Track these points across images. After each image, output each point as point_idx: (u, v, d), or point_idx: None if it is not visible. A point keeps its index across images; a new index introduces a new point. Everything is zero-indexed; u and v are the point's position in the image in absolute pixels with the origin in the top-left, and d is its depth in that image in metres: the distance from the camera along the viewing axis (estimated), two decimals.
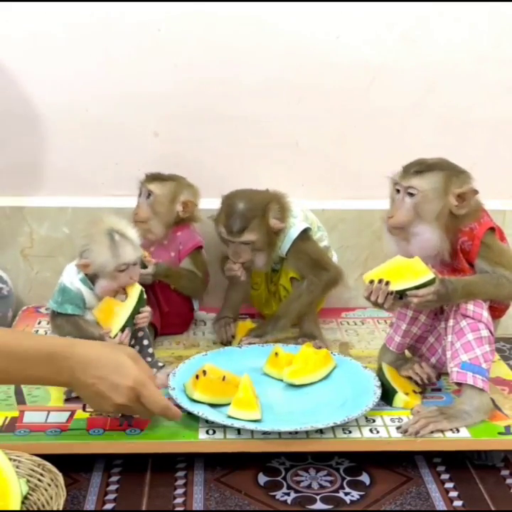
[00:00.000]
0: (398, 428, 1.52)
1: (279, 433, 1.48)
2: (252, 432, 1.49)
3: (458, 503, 1.44)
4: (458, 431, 1.51)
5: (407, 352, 1.73)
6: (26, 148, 2.08)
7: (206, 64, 2.02)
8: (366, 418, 1.55)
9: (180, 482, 1.48)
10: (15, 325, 1.96)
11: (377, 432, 1.51)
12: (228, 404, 1.54)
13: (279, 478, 1.49)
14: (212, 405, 1.55)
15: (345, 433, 1.50)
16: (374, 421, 1.55)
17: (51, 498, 1.25)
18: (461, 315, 1.55)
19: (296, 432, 1.49)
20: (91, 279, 1.58)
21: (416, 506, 1.42)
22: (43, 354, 1.35)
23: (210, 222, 1.87)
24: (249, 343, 1.82)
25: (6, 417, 1.53)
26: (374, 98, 2.06)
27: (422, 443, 1.49)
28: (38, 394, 1.61)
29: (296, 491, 1.46)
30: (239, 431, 1.49)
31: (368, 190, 2.04)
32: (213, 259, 1.96)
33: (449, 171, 1.57)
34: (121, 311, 1.59)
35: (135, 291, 1.61)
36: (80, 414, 1.55)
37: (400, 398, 1.59)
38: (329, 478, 1.50)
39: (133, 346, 1.64)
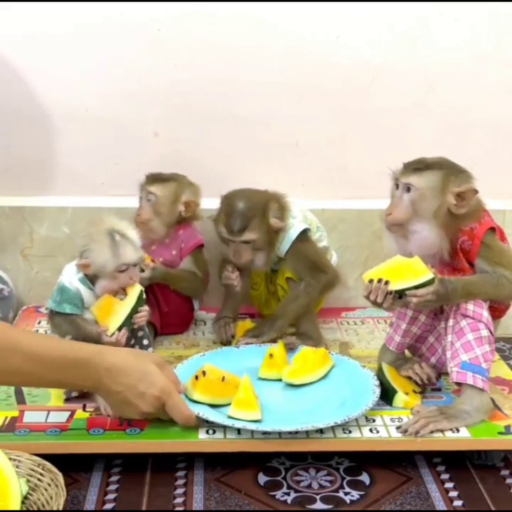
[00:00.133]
0: (398, 428, 1.52)
1: (280, 433, 1.48)
2: (252, 431, 1.49)
3: (458, 503, 1.44)
4: (458, 431, 1.51)
5: (407, 352, 1.73)
6: (26, 149, 2.08)
7: (206, 64, 2.02)
8: (366, 418, 1.55)
9: (180, 482, 1.48)
10: (15, 325, 1.96)
11: (377, 431, 1.51)
12: (228, 404, 1.54)
13: (279, 478, 1.49)
14: (212, 406, 1.55)
15: (345, 433, 1.50)
16: (374, 421, 1.55)
17: (51, 497, 1.25)
18: (461, 315, 1.55)
19: (296, 432, 1.49)
20: (91, 279, 1.58)
21: (416, 506, 1.42)
22: (71, 360, 1.37)
23: (210, 221, 1.87)
24: (247, 343, 1.82)
25: (6, 417, 1.53)
26: (374, 98, 2.06)
27: (422, 443, 1.49)
28: (38, 393, 1.61)
29: (296, 491, 1.46)
30: (239, 431, 1.49)
31: (367, 190, 2.04)
32: (213, 258, 1.96)
33: (448, 170, 1.57)
34: (120, 309, 1.59)
35: (135, 290, 1.61)
36: (80, 414, 1.55)
37: (399, 398, 1.59)
38: (329, 478, 1.50)
39: (132, 346, 1.65)
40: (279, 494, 1.45)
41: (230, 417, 1.50)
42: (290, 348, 1.78)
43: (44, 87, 2.03)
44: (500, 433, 1.51)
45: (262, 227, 1.79)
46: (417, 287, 1.51)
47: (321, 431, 1.49)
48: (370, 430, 1.51)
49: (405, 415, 1.56)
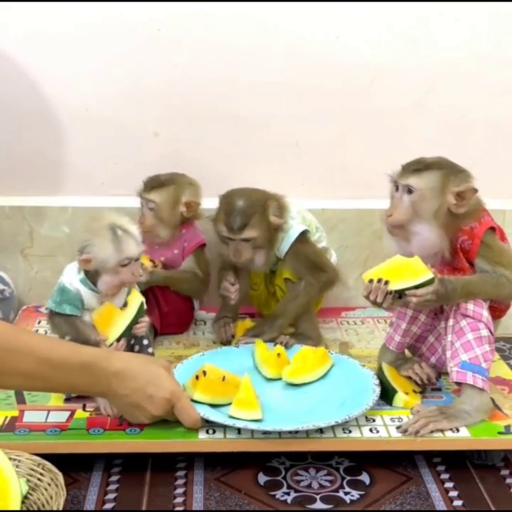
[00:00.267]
0: (398, 428, 1.52)
1: (280, 433, 1.48)
2: (252, 431, 1.49)
3: (458, 503, 1.44)
4: (458, 430, 1.51)
5: (407, 352, 1.73)
6: (26, 148, 2.07)
7: (206, 64, 2.02)
8: (366, 418, 1.55)
9: (180, 482, 1.48)
10: (15, 324, 1.95)
11: (377, 431, 1.51)
12: (228, 404, 1.54)
13: (279, 478, 1.49)
14: (212, 405, 1.55)
15: (345, 433, 1.50)
16: (374, 420, 1.55)
17: (51, 497, 1.25)
18: (461, 314, 1.55)
19: (297, 432, 1.49)
20: (92, 278, 1.58)
21: (416, 506, 1.42)
22: (80, 363, 1.38)
23: (209, 221, 1.87)
24: (247, 343, 1.82)
25: (6, 417, 1.53)
26: (374, 98, 2.06)
27: (421, 443, 1.50)
28: (37, 393, 1.61)
29: (296, 491, 1.46)
30: (239, 430, 1.49)
31: (367, 190, 2.04)
32: (213, 257, 1.96)
33: (447, 170, 1.57)
34: (121, 320, 1.59)
35: (136, 301, 1.61)
36: (79, 413, 1.55)
37: (399, 398, 1.59)
38: (329, 477, 1.50)
39: (133, 346, 1.65)
40: (279, 494, 1.45)
41: (230, 417, 1.50)
42: (285, 347, 1.78)
43: (44, 87, 2.03)
44: (500, 433, 1.51)
45: (262, 224, 1.79)
46: (416, 287, 1.51)
47: (321, 431, 1.49)
48: (370, 430, 1.51)
49: (405, 415, 1.56)
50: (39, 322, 1.97)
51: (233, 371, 1.63)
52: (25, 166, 2.09)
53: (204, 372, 1.57)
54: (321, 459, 1.54)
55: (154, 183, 1.89)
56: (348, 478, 1.50)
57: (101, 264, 1.55)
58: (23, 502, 1.24)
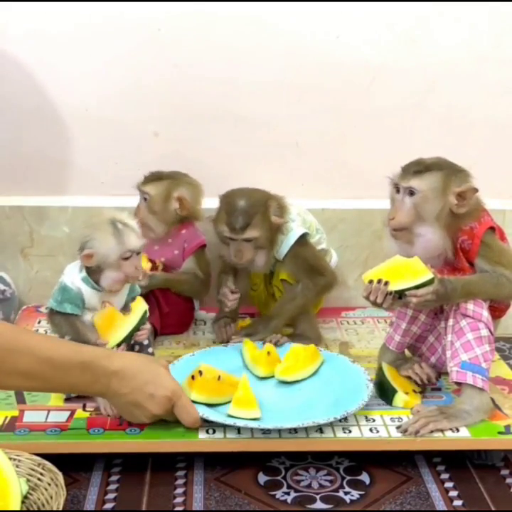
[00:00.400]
0: (398, 427, 1.52)
1: (279, 432, 1.48)
2: (251, 431, 1.49)
3: (458, 503, 1.44)
4: (458, 430, 1.51)
5: (407, 351, 1.73)
6: (26, 148, 2.07)
7: (206, 64, 2.02)
8: (366, 417, 1.55)
9: (180, 481, 1.48)
10: (15, 324, 1.95)
11: (377, 431, 1.51)
12: (224, 403, 1.54)
13: (279, 478, 1.49)
14: (209, 405, 1.55)
15: (345, 432, 1.50)
16: (374, 420, 1.55)
17: (51, 497, 1.25)
18: (461, 314, 1.55)
19: (296, 431, 1.49)
20: (94, 275, 1.57)
21: (416, 506, 1.42)
22: (80, 363, 1.38)
23: (210, 221, 1.87)
24: (237, 342, 1.82)
25: (6, 417, 1.53)
26: (374, 98, 2.06)
27: (421, 442, 1.50)
28: (37, 393, 1.61)
29: (296, 491, 1.46)
30: (239, 430, 1.49)
31: (367, 190, 2.04)
32: (213, 258, 1.96)
33: (447, 170, 1.57)
34: (123, 325, 1.59)
35: (140, 308, 1.61)
36: (79, 413, 1.55)
37: (399, 398, 1.59)
38: (329, 477, 1.50)
39: (133, 346, 1.65)
40: (279, 494, 1.45)
41: (229, 416, 1.50)
42: (276, 345, 1.78)
43: (44, 87, 2.03)
44: (500, 433, 1.52)
45: (264, 224, 1.79)
46: (416, 287, 1.51)
47: (320, 430, 1.49)
48: (370, 430, 1.51)
49: (405, 415, 1.56)
50: (39, 322, 1.97)
51: (225, 370, 1.62)
52: (25, 166, 2.09)
53: (200, 372, 1.57)
54: (321, 459, 1.54)
55: (152, 177, 1.91)
56: (348, 478, 1.50)
57: (103, 258, 1.55)
58: (23, 502, 1.24)
